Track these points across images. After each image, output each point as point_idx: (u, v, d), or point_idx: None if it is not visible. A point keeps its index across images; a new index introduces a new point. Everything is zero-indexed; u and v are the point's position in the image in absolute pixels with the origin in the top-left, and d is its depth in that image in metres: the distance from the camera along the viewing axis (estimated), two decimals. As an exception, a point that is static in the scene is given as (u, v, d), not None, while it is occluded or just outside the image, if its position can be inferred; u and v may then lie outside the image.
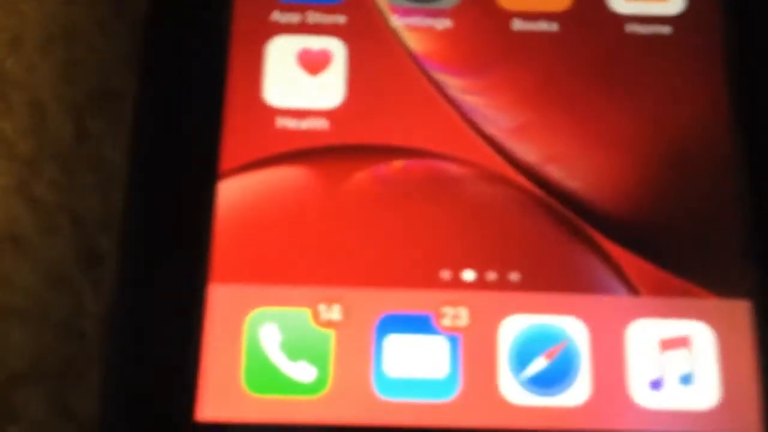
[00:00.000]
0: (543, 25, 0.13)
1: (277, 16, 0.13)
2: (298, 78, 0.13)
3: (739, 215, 0.12)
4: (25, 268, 0.14)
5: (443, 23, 0.13)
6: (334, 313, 0.12)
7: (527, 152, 0.13)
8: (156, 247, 0.12)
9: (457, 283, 0.12)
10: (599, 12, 0.14)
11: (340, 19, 0.13)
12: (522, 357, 0.12)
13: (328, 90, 0.13)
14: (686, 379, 0.12)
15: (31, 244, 0.14)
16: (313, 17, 0.13)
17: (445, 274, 0.12)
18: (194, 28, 0.13)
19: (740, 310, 0.12)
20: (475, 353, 0.12)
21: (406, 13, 0.13)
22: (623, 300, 0.12)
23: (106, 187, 0.14)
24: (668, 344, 0.12)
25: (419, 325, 0.12)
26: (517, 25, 0.13)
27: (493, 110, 0.13)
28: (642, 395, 0.12)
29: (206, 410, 0.11)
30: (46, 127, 0.14)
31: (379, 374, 0.12)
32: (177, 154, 0.13)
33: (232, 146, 0.13)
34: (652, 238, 0.12)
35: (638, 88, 0.13)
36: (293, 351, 0.12)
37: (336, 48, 0.13)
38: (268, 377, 0.12)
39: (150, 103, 0.13)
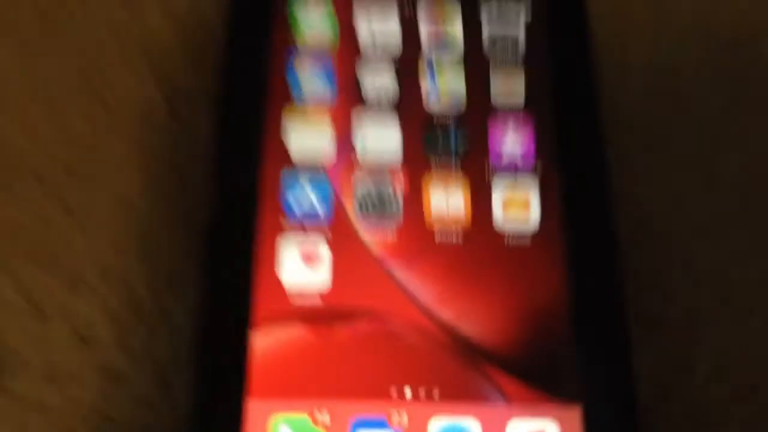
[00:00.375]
0: (453, 237, 0.22)
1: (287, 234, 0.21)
2: (300, 268, 0.21)
3: (570, 350, 0.20)
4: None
5: (391, 232, 0.22)
6: (325, 417, 0.19)
7: (443, 311, 0.21)
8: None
9: (401, 396, 0.20)
10: (487, 222, 0.22)
11: (329, 233, 0.22)
12: (442, 445, 0.19)
13: (320, 276, 0.21)
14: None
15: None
16: (311, 233, 0.22)
17: (393, 391, 0.20)
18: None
19: (575, 410, 0.20)
20: (414, 442, 0.19)
21: (369, 225, 0.22)
22: (502, 406, 0.20)
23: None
24: (532, 436, 0.20)
25: (379, 424, 0.19)
26: (438, 237, 0.22)
27: (419, 283, 0.21)
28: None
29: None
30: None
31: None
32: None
33: (262, 309, 0.20)
34: (516, 363, 0.20)
35: (508, 278, 0.21)
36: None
37: (324, 250, 0.21)
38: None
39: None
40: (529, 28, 0.24)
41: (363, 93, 0.23)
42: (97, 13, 0.26)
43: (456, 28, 0.24)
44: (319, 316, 0.20)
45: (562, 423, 0.19)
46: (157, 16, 0.27)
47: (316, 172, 0.22)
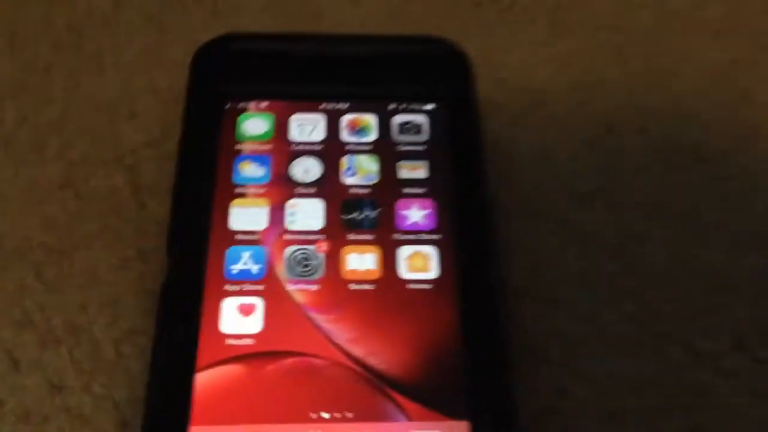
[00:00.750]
0: (365, 285, 0.26)
1: (228, 285, 0.26)
2: (237, 317, 0.25)
3: (460, 377, 0.24)
4: None
5: (314, 287, 0.26)
6: (258, 439, 0.23)
7: (354, 349, 0.25)
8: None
9: (319, 419, 0.24)
10: (393, 278, 0.26)
11: (261, 287, 0.26)
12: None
13: (254, 323, 0.25)
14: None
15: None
16: (248, 289, 0.26)
17: (313, 415, 0.24)
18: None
19: (463, 426, 0.24)
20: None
21: (295, 282, 0.26)
22: (404, 423, 0.24)
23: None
24: (429, 449, 0.23)
25: (301, 444, 0.23)
26: (352, 286, 0.26)
27: (337, 327, 0.25)
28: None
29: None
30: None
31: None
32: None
33: (204, 351, 0.24)
34: (415, 389, 0.24)
35: (409, 321, 0.25)
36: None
37: (258, 302, 0.26)
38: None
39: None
40: (433, 133, 0.30)
41: (293, 178, 0.28)
42: (75, 119, 0.32)
43: (371, 131, 0.29)
44: (253, 355, 0.25)
45: (454, 438, 0.23)
46: (126, 124, 0.32)
47: (253, 240, 0.27)
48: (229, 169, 0.28)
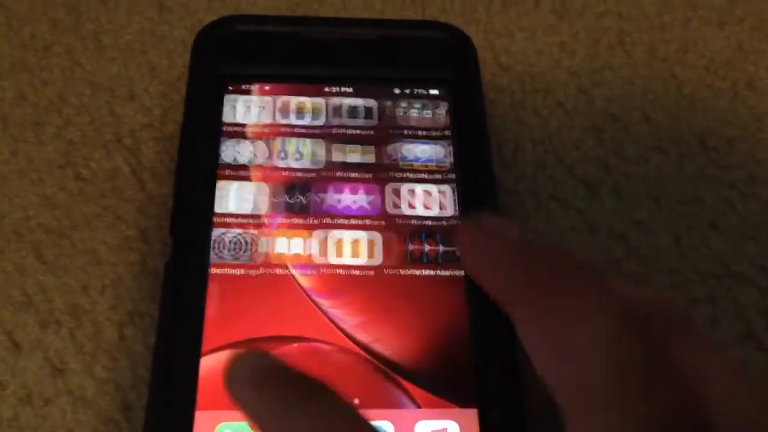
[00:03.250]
0: (372, 272, 0.26)
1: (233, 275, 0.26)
2: (243, 303, 0.25)
3: (469, 365, 0.24)
4: None
5: (319, 270, 0.26)
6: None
7: (361, 335, 0.25)
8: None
9: (326, 404, 0.23)
10: (400, 263, 0.26)
11: (266, 274, 0.26)
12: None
13: (259, 308, 0.25)
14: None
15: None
16: (253, 274, 0.26)
17: (320, 400, 0.23)
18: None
19: (472, 413, 0.23)
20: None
21: (300, 267, 0.26)
22: (412, 411, 0.23)
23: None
24: (435, 434, 0.23)
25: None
26: (358, 271, 0.26)
27: (342, 313, 0.25)
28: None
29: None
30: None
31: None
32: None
33: (210, 337, 0.24)
34: (424, 376, 0.24)
35: (417, 307, 0.25)
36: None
37: (264, 288, 0.25)
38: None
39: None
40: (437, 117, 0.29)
41: (293, 161, 0.28)
42: (74, 99, 0.31)
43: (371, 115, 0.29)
44: (259, 340, 0.24)
45: (462, 424, 0.23)
46: (126, 105, 0.31)
47: (255, 224, 0.26)
48: (233, 149, 0.28)
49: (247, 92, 0.30)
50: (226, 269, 0.25)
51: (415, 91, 0.30)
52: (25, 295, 0.27)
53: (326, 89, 0.30)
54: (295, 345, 0.24)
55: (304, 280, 0.25)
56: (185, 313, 0.24)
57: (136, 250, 0.28)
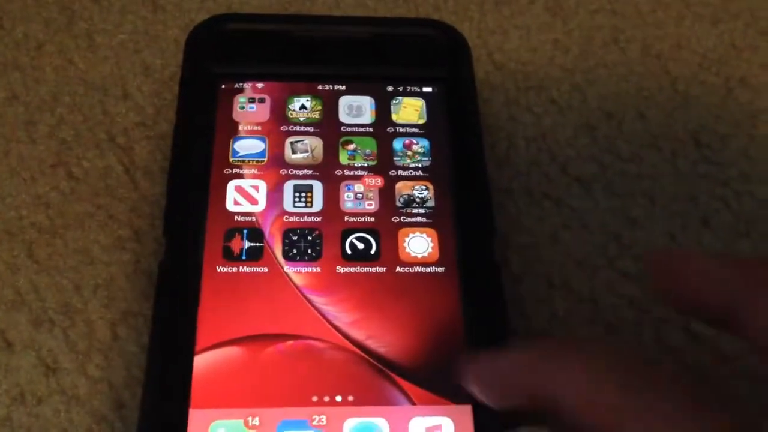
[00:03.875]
0: (367, 268, 0.26)
1: (225, 273, 0.25)
2: (237, 300, 0.25)
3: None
4: None
5: (312, 269, 0.26)
6: (256, 421, 0.23)
7: (355, 332, 0.24)
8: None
9: (320, 402, 0.23)
10: (395, 260, 0.26)
11: (261, 271, 0.26)
12: (355, 441, 0.23)
13: (253, 306, 0.25)
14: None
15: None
16: (247, 271, 0.26)
17: (314, 398, 0.23)
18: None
19: (466, 410, 0.23)
20: (332, 440, 0.23)
21: (293, 264, 0.26)
22: (406, 408, 0.23)
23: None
24: (430, 430, 0.23)
25: (301, 425, 0.23)
26: (353, 269, 0.26)
27: (336, 310, 0.25)
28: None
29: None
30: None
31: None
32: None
33: (203, 335, 0.24)
34: (418, 373, 0.24)
35: (410, 305, 0.25)
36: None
37: (257, 285, 0.25)
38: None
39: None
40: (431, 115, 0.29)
41: (288, 159, 0.28)
42: (67, 98, 0.31)
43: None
44: (253, 338, 0.24)
45: (457, 420, 0.23)
46: (119, 104, 0.31)
47: (250, 222, 0.26)
48: (226, 149, 0.28)
49: (240, 91, 0.29)
50: (219, 267, 0.25)
51: (408, 88, 0.30)
52: (17, 294, 0.26)
53: (319, 87, 0.30)
54: (289, 343, 0.24)
55: (297, 278, 0.25)
56: (179, 311, 0.24)
57: (129, 250, 0.28)
